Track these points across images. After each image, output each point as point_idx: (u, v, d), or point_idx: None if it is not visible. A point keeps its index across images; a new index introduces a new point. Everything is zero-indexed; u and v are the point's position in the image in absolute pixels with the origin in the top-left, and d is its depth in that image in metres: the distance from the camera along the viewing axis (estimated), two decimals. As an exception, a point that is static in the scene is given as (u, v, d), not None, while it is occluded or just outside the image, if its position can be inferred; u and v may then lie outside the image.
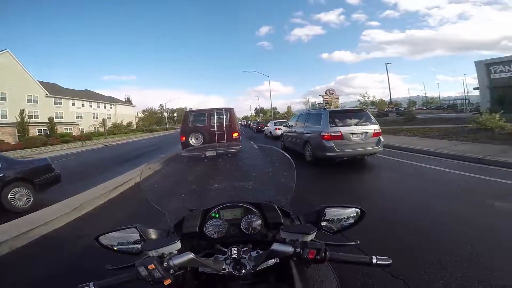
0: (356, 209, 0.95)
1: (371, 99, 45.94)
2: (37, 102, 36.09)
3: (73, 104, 43.61)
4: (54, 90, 40.91)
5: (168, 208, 1.18)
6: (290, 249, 0.75)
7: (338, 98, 41.60)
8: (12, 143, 24.81)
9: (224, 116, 8.62)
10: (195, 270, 0.88)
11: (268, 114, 63.98)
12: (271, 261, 0.85)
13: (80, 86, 78.61)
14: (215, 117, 8.56)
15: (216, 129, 8.39)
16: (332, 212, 0.95)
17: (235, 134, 8.57)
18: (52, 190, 5.66)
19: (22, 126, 28.59)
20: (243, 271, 0.79)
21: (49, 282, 2.47)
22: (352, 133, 6.38)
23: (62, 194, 5.35)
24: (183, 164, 1.62)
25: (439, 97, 59.97)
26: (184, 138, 8.48)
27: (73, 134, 34.49)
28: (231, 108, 8.98)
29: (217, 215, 1.01)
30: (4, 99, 31.62)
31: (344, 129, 6.37)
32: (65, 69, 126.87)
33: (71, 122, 39.68)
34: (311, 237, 0.78)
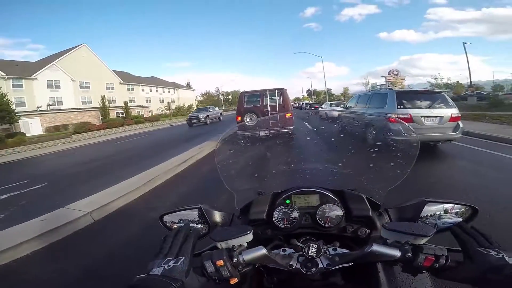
0: (465, 206, 0.78)
1: (444, 81, 39.99)
2: (113, 89, 40.95)
3: (143, 90, 48.30)
4: (126, 78, 45.79)
5: (237, 189, 1.07)
6: (397, 253, 0.60)
7: (403, 79, 37.02)
8: (97, 124, 29.02)
9: (277, 97, 8.65)
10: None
11: (322, 95, 61.29)
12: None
13: (146, 73, 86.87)
14: (268, 98, 8.65)
15: (269, 109, 8.43)
16: (432, 208, 0.79)
17: (288, 115, 8.49)
18: (130, 164, 6.48)
19: (104, 110, 33.15)
20: (313, 269, 0.65)
21: (117, 254, 2.65)
22: (424, 116, 5.66)
23: (138, 168, 6.10)
24: (254, 141, 1.49)
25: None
26: (239, 118, 8.78)
27: (144, 116, 38.78)
28: (283, 89, 8.90)
29: (288, 201, 0.88)
30: (88, 87, 36.79)
31: (415, 112, 5.66)
32: (132, 58, 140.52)
33: (142, 106, 44.23)
34: (425, 240, 0.61)
